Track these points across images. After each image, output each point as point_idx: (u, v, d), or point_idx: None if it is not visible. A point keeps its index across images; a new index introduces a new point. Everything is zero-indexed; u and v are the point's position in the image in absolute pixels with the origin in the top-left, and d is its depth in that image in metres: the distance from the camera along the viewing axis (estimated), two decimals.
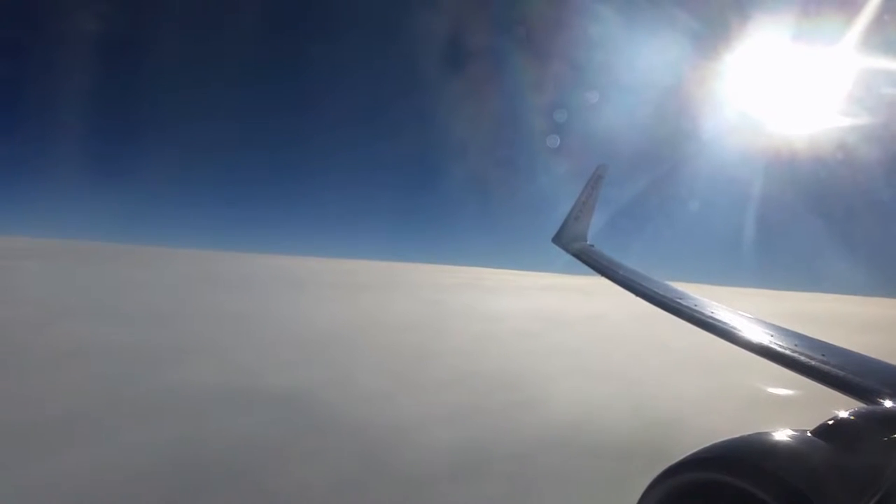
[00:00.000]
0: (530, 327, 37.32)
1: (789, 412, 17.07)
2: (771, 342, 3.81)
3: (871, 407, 2.59)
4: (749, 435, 1.75)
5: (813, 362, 3.39)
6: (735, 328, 4.20)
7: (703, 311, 4.67)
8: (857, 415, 1.91)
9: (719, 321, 4.38)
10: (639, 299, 5.31)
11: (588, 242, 7.74)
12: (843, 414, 1.86)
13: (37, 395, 16.08)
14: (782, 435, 1.73)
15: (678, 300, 5.02)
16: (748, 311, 4.51)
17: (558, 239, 7.60)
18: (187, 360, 21.62)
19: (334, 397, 17.84)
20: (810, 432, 1.75)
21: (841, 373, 3.16)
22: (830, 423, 1.79)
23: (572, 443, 14.71)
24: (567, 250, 7.34)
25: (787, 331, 4.07)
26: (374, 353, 25.52)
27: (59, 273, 54.62)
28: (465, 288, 69.66)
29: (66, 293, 39.04)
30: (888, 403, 2.64)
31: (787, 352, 3.62)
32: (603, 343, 32.50)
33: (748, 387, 20.02)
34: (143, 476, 11.59)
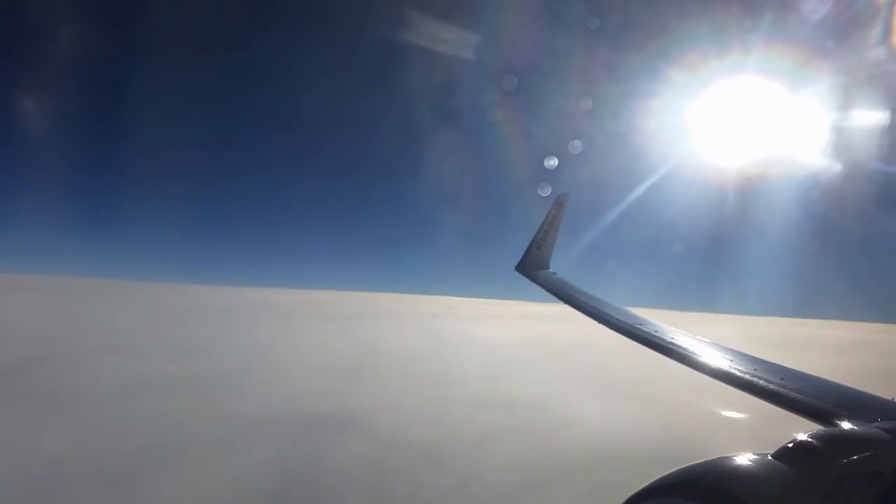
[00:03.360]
0: (528, 354, 39.38)
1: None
2: (730, 367, 3.88)
3: (829, 429, 2.66)
4: (711, 459, 1.80)
5: (772, 386, 3.44)
6: (695, 353, 4.28)
7: (663, 336, 4.75)
8: (816, 437, 1.92)
9: (679, 346, 4.46)
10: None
11: (550, 270, 7.84)
12: (803, 436, 1.89)
13: (122, 428, 17.05)
14: (744, 459, 1.77)
15: (639, 326, 5.07)
16: (709, 336, 4.66)
17: (521, 267, 7.70)
18: (231, 390, 22.70)
19: (390, 421, 19.37)
20: (771, 455, 1.79)
21: (799, 396, 3.22)
22: (790, 445, 1.82)
23: (622, 455, 16.81)
24: (530, 278, 7.42)
25: (745, 355, 4.16)
26: (401, 381, 27.01)
27: (42, 308, 53.07)
28: (446, 318, 71.17)
29: (69, 329, 38.47)
30: (846, 425, 2.71)
31: (747, 376, 3.68)
32: (603, 367, 34.92)
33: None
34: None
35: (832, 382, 3.50)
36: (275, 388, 23.50)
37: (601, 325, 5.37)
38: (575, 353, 41.54)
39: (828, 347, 40.33)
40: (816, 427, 2.69)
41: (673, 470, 1.76)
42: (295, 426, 18.16)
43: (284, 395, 22.42)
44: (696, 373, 3.98)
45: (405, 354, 36.08)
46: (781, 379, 3.51)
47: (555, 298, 6.63)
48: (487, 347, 42.38)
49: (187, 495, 12.81)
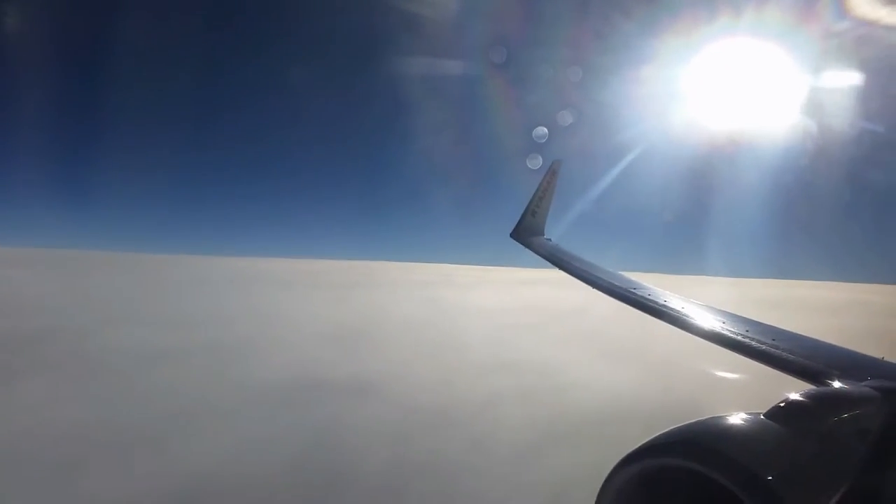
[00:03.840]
0: (528, 320, 40.12)
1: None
2: (723, 328, 3.94)
3: (820, 388, 2.70)
4: (704, 419, 1.83)
5: (763, 347, 3.50)
6: (687, 315, 4.33)
7: (656, 300, 4.81)
8: (807, 396, 1.96)
9: (672, 309, 4.51)
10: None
11: (545, 236, 7.86)
12: (794, 396, 1.93)
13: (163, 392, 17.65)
14: (736, 418, 1.81)
15: (632, 290, 5.14)
16: (702, 299, 4.69)
17: (516, 234, 7.74)
18: (245, 357, 23.27)
19: (403, 385, 19.97)
20: (763, 415, 1.82)
21: (790, 356, 3.28)
22: (782, 405, 1.86)
23: (629, 413, 17.46)
24: (524, 245, 7.45)
25: (737, 317, 4.21)
26: (407, 347, 27.59)
27: (51, 281, 53.07)
28: (444, 285, 71.86)
29: (81, 302, 38.67)
30: (836, 384, 2.75)
31: (739, 337, 3.74)
32: (601, 332, 35.70)
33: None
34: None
35: (823, 342, 3.56)
36: (286, 355, 24.06)
37: (596, 290, 5.41)
38: (573, 318, 42.28)
39: (821, 308, 41.42)
40: (808, 386, 2.78)
41: (667, 430, 1.78)
42: (314, 391, 18.75)
43: (297, 361, 23.01)
44: (691, 335, 4.02)
45: (407, 321, 36.67)
46: (773, 340, 3.57)
47: (550, 264, 6.66)
48: (487, 313, 43.02)
49: (226, 453, 13.40)
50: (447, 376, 21.73)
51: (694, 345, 4.05)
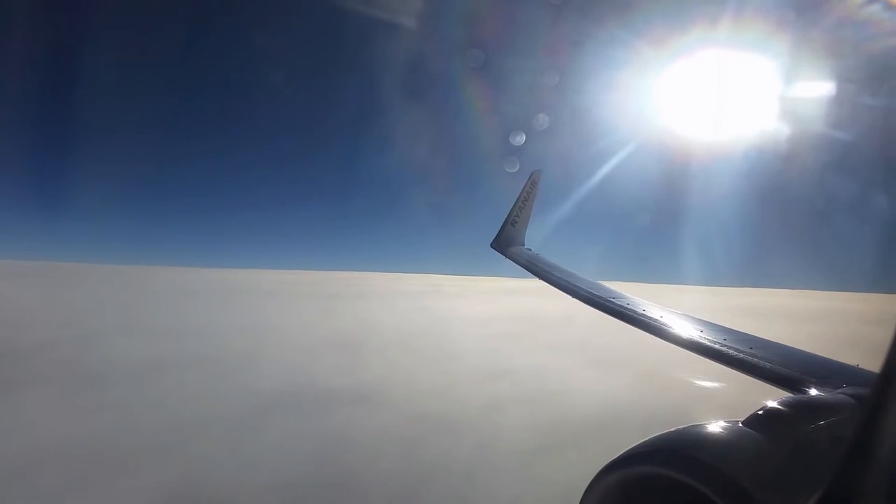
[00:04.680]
0: (518, 329, 40.57)
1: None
2: (701, 337, 3.94)
3: (797, 396, 2.73)
4: (684, 427, 1.86)
5: (741, 355, 3.51)
6: (666, 325, 4.34)
7: (635, 309, 4.83)
8: (785, 404, 1.98)
9: (651, 318, 4.53)
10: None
11: (525, 246, 7.91)
12: (772, 404, 1.95)
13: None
14: (715, 426, 1.83)
15: (612, 299, 5.15)
16: (682, 308, 4.74)
17: (496, 244, 7.79)
18: (242, 368, 23.27)
19: (402, 394, 20.22)
20: (742, 423, 1.84)
21: (768, 364, 3.30)
22: (760, 413, 1.88)
23: (627, 419, 18.03)
24: (505, 254, 7.49)
25: (715, 325, 4.22)
26: (403, 356, 27.85)
27: (32, 294, 51.80)
28: (430, 295, 72.20)
29: (68, 314, 37.94)
30: (813, 391, 2.77)
31: (716, 346, 3.75)
32: (590, 340, 36.41)
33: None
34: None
35: (799, 350, 3.59)
36: (284, 366, 24.15)
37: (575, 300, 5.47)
38: (561, 327, 42.92)
39: (800, 316, 42.92)
40: (785, 394, 2.81)
41: (646, 438, 1.80)
42: (315, 401, 18.85)
43: (295, 371, 23.07)
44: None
45: (400, 331, 36.89)
46: (750, 348, 3.59)
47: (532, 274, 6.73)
48: (479, 323, 43.47)
49: (233, 464, 13.47)
50: (447, 384, 22.04)
51: (682, 352, 4.04)
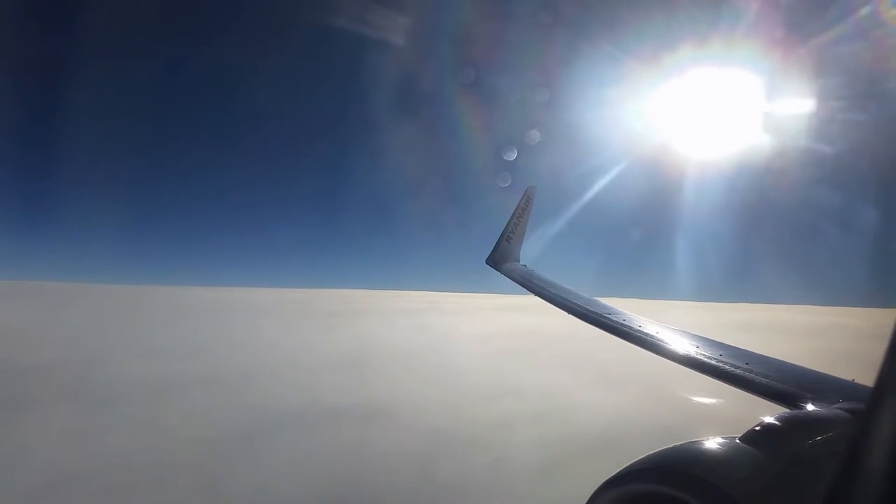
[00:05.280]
0: (519, 346, 40.67)
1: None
2: (697, 353, 3.93)
3: (793, 411, 2.73)
4: (681, 444, 1.86)
5: (738, 371, 3.50)
6: (662, 341, 4.32)
7: (631, 325, 4.81)
8: (782, 419, 1.99)
9: (647, 334, 4.51)
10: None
11: (520, 262, 7.92)
12: (769, 419, 1.96)
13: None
14: (712, 443, 1.84)
15: (607, 315, 5.14)
16: (678, 324, 4.73)
17: (491, 260, 7.81)
18: (250, 386, 23.24)
19: (412, 411, 20.25)
20: (739, 439, 1.85)
21: (764, 380, 3.29)
22: (757, 429, 1.89)
23: (637, 434, 18.15)
24: (500, 271, 7.49)
25: (711, 341, 4.22)
26: (410, 374, 27.86)
27: (22, 315, 51.33)
28: (428, 313, 72.19)
29: (64, 335, 37.65)
30: (809, 407, 2.76)
31: (713, 362, 3.73)
32: (592, 356, 36.51)
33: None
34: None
35: (796, 365, 3.60)
36: (292, 384, 24.13)
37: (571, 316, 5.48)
38: (562, 343, 42.94)
39: (799, 332, 43.32)
40: (782, 410, 2.82)
41: (644, 455, 1.80)
42: (326, 418, 18.88)
43: (304, 389, 23.08)
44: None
45: (404, 349, 36.95)
46: (747, 363, 3.57)
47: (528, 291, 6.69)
48: (479, 340, 43.49)
49: (251, 481, 13.48)
50: (455, 401, 22.08)
51: (684, 369, 4.00)
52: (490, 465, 15.16)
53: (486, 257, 7.90)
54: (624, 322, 4.91)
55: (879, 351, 0.98)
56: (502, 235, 7.95)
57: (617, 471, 1.78)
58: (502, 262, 7.70)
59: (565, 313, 5.65)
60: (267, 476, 13.82)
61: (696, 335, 4.40)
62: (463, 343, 41.69)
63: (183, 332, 42.65)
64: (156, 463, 14.26)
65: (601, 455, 15.99)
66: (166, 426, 17.47)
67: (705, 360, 3.78)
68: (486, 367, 30.27)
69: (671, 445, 1.85)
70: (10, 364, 25.55)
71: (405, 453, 15.69)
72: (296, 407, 20.05)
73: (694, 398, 20.49)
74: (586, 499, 1.84)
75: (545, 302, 6.20)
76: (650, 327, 4.71)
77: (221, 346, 35.07)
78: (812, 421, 2.34)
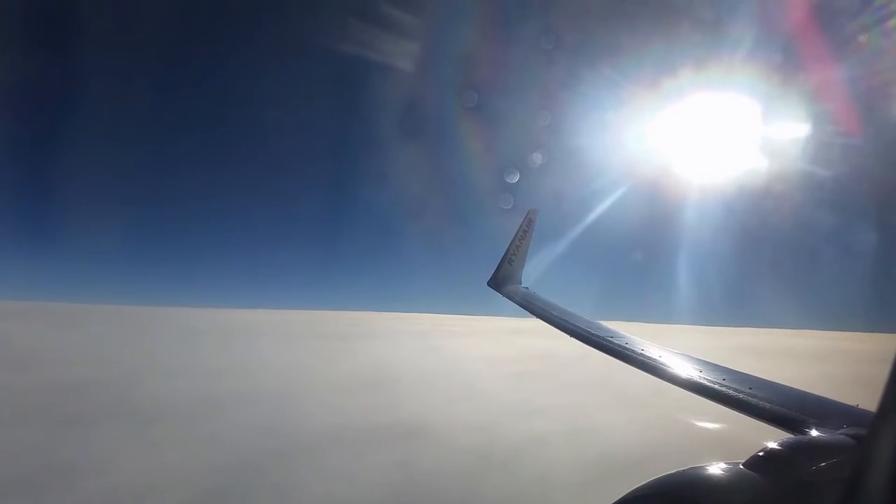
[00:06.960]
0: (534, 368, 41.30)
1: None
2: (700, 377, 3.91)
3: (797, 437, 2.72)
4: (684, 469, 1.88)
5: (741, 395, 3.48)
6: (665, 365, 4.31)
7: (633, 348, 4.81)
8: (786, 445, 1.98)
9: (649, 358, 4.50)
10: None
11: (522, 285, 7.92)
12: (773, 445, 1.96)
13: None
14: (716, 468, 1.84)
15: (610, 338, 5.14)
16: (681, 348, 4.73)
17: (493, 282, 7.80)
18: (284, 406, 24.05)
19: (447, 430, 21.09)
20: (742, 464, 1.86)
21: (768, 405, 3.27)
22: (761, 454, 1.90)
23: (662, 452, 19.01)
24: (502, 293, 7.49)
25: (714, 365, 4.21)
26: (433, 394, 28.60)
27: (40, 335, 52.00)
28: (439, 335, 72.77)
29: (91, 355, 38.41)
30: (813, 432, 2.77)
31: (716, 386, 3.71)
32: (609, 378, 37.12)
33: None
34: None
35: (799, 390, 3.58)
36: (323, 403, 24.96)
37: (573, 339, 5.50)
38: (577, 366, 43.52)
39: (806, 356, 44.19)
40: (785, 435, 2.79)
41: (647, 481, 1.81)
42: (369, 435, 19.72)
43: (336, 408, 23.92)
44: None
45: (421, 370, 37.77)
46: (750, 388, 3.56)
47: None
48: (492, 362, 44.12)
49: (316, 492, 14.43)
50: (484, 420, 22.92)
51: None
52: (535, 479, 16.09)
53: (488, 280, 7.94)
54: (626, 345, 4.95)
55: (883, 376, 1.00)
56: (504, 258, 7.99)
57: (620, 496, 1.82)
58: (504, 284, 7.72)
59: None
60: (337, 483, 14.84)
61: (698, 359, 4.43)
62: (478, 365, 42.42)
63: (201, 353, 43.39)
64: (242, 466, 15.32)
65: (633, 470, 16.82)
66: (232, 438, 18.36)
67: (708, 384, 3.80)
68: (507, 388, 31.13)
69: (674, 470, 1.90)
70: (54, 382, 26.37)
71: (452, 469, 16.57)
72: (336, 424, 20.89)
73: (697, 423, 21.03)
74: None
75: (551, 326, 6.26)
76: (653, 351, 4.74)
77: (244, 367, 35.84)
78: (816, 447, 2.37)
